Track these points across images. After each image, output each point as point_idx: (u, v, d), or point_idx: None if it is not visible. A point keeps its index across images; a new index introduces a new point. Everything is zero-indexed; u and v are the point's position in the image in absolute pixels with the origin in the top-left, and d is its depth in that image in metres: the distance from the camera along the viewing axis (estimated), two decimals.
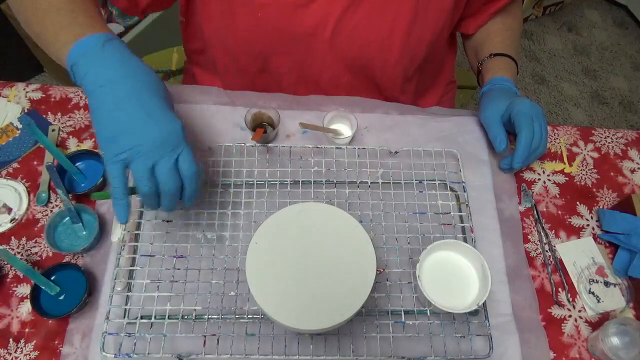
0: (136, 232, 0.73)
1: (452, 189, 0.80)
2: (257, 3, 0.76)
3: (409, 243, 0.74)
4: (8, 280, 0.71)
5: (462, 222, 0.77)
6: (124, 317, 0.67)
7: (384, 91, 0.90)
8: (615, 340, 0.67)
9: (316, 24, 0.78)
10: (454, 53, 1.03)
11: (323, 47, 0.81)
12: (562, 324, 0.74)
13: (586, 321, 0.74)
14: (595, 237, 0.81)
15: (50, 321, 0.68)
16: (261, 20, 0.78)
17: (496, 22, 0.92)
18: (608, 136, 0.91)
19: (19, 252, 0.73)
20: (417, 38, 0.81)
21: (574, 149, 0.89)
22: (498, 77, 0.84)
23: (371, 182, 0.79)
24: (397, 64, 0.84)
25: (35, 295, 0.68)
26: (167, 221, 0.73)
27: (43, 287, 0.67)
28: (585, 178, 0.86)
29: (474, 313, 0.70)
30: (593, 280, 0.77)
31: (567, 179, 0.86)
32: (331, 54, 0.82)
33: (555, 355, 0.71)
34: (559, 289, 0.76)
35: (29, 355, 0.67)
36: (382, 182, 0.78)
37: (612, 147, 0.90)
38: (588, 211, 0.83)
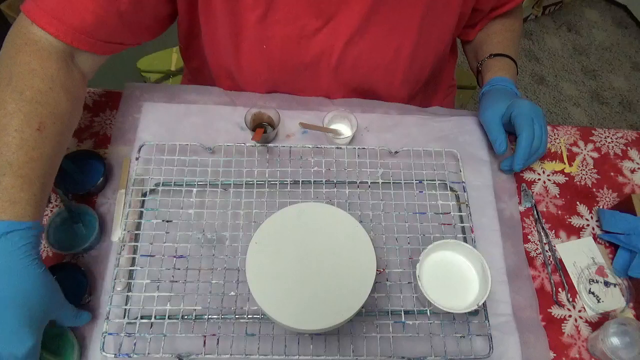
0: (136, 232, 0.73)
1: (452, 189, 0.80)
2: (262, 36, 0.76)
3: (409, 243, 0.74)
4: None
5: (462, 222, 0.77)
6: (124, 317, 0.67)
7: None
8: (615, 340, 0.67)
9: (321, 54, 0.78)
10: (455, 59, 1.03)
11: (328, 75, 0.82)
12: (562, 324, 0.74)
13: (586, 321, 0.74)
14: (595, 237, 0.81)
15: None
16: (266, 52, 0.78)
17: (496, 22, 0.92)
18: (608, 136, 0.91)
19: None
20: (422, 60, 0.82)
21: (574, 149, 0.89)
22: (498, 78, 0.84)
23: (371, 182, 0.79)
24: (402, 86, 0.85)
25: None
26: (167, 221, 0.73)
27: None
28: (585, 178, 0.86)
29: (474, 313, 0.70)
30: (593, 280, 0.77)
31: (567, 179, 0.86)
32: (336, 81, 0.83)
33: (555, 355, 0.71)
34: (559, 289, 0.76)
35: None
36: (382, 182, 0.78)
37: (612, 147, 0.90)
38: (588, 211, 0.83)
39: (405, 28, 0.77)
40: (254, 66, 0.81)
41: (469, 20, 0.87)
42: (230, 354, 0.66)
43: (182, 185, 0.76)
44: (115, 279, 0.69)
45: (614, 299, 0.76)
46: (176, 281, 0.69)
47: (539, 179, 0.85)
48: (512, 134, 0.80)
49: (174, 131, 0.82)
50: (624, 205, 0.81)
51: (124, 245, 0.71)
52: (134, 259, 0.71)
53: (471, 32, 0.93)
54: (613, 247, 0.80)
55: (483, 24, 0.92)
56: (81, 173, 0.77)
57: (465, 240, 0.75)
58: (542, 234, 0.80)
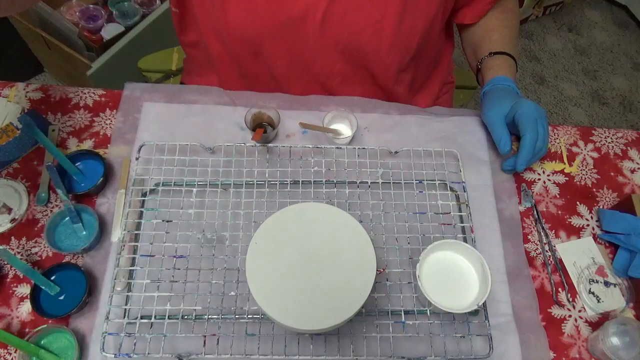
0: (136, 232, 0.73)
1: (452, 189, 0.80)
2: None
3: (409, 243, 0.74)
4: (8, 280, 0.71)
5: (462, 222, 0.77)
6: (124, 317, 0.67)
7: (378, 80, 0.89)
8: (615, 340, 0.67)
9: (307, 8, 0.78)
10: (451, 50, 1.02)
11: (314, 32, 0.81)
12: (562, 324, 0.74)
13: (586, 321, 0.74)
14: (595, 237, 0.80)
15: (50, 321, 0.68)
16: (252, 6, 0.78)
17: (493, 18, 0.92)
18: (608, 136, 0.91)
19: (19, 252, 0.73)
20: (410, 24, 0.81)
21: (574, 149, 0.89)
22: (499, 77, 0.84)
23: (371, 182, 0.79)
24: (391, 52, 0.83)
25: (35, 295, 0.68)
26: (167, 221, 0.73)
27: (43, 287, 0.67)
28: (585, 178, 0.86)
29: (474, 313, 0.70)
30: (593, 280, 0.77)
31: (567, 179, 0.85)
32: (322, 39, 0.82)
33: (555, 355, 0.71)
34: (559, 289, 0.76)
35: None
36: (382, 182, 0.78)
37: (612, 147, 0.90)
38: (588, 211, 0.83)
39: None
40: (240, 21, 0.80)
41: None
42: (230, 354, 0.66)
43: (182, 185, 0.76)
44: (115, 279, 0.69)
45: (614, 299, 0.75)
46: (176, 281, 0.69)
47: (539, 179, 0.85)
48: (513, 134, 0.80)
49: (174, 131, 0.82)
50: (624, 205, 0.81)
51: (124, 245, 0.71)
52: (134, 259, 0.71)
53: (467, 13, 0.91)
54: (613, 247, 0.80)
55: (478, 9, 0.90)
56: (81, 173, 0.77)
57: (465, 240, 0.75)
58: (542, 234, 0.80)
